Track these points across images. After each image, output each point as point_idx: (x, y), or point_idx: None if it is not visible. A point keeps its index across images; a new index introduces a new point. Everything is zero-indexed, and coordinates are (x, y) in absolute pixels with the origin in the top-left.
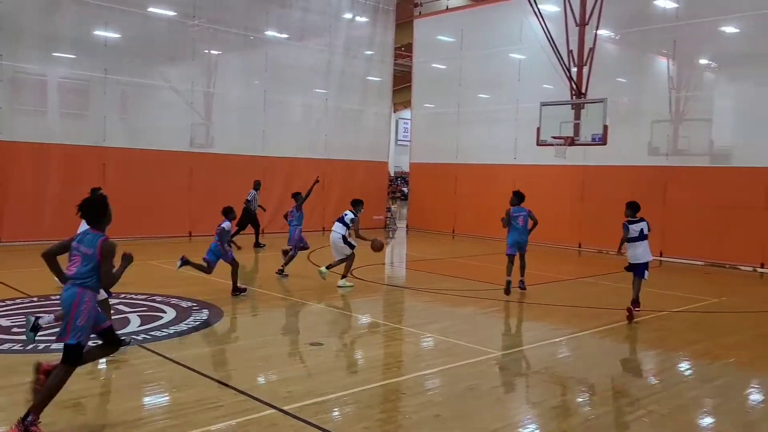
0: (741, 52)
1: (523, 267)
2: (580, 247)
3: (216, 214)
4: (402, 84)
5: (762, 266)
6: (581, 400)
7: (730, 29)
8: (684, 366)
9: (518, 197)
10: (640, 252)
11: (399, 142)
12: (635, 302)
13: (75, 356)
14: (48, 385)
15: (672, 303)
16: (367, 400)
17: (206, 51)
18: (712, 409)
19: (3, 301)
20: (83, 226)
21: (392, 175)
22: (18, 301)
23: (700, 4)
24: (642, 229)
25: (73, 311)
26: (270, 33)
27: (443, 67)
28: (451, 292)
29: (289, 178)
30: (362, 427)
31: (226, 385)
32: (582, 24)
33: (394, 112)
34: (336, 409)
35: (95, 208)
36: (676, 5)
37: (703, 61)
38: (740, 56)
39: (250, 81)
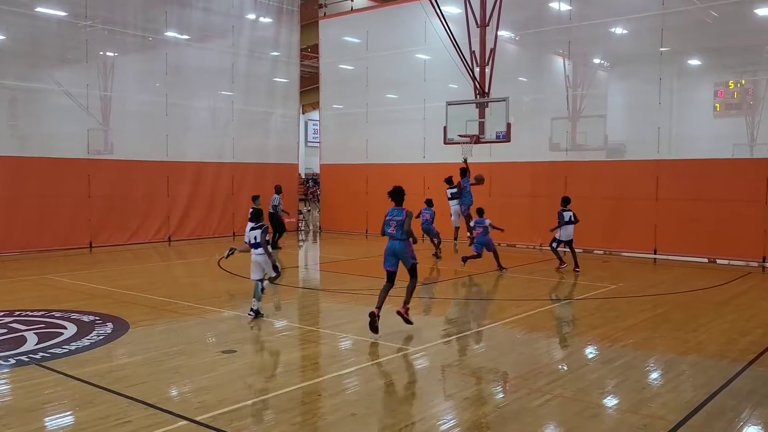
0: (629, 51)
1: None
2: None
3: (120, 221)
4: (309, 85)
5: (655, 253)
6: (492, 389)
7: (618, 30)
8: (587, 350)
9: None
10: (570, 231)
11: (309, 144)
12: (577, 265)
13: (416, 271)
14: (409, 288)
15: (574, 291)
16: (284, 404)
17: (101, 53)
18: (611, 389)
19: None
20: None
21: (303, 177)
22: None
23: (592, 7)
24: (570, 216)
25: (408, 252)
26: (170, 34)
27: (350, 67)
28: (365, 292)
29: (196, 183)
30: (279, 431)
31: (134, 399)
32: (483, 25)
33: (303, 113)
34: (251, 416)
35: (398, 194)
36: (569, 7)
37: (595, 61)
38: (628, 55)
39: (150, 84)
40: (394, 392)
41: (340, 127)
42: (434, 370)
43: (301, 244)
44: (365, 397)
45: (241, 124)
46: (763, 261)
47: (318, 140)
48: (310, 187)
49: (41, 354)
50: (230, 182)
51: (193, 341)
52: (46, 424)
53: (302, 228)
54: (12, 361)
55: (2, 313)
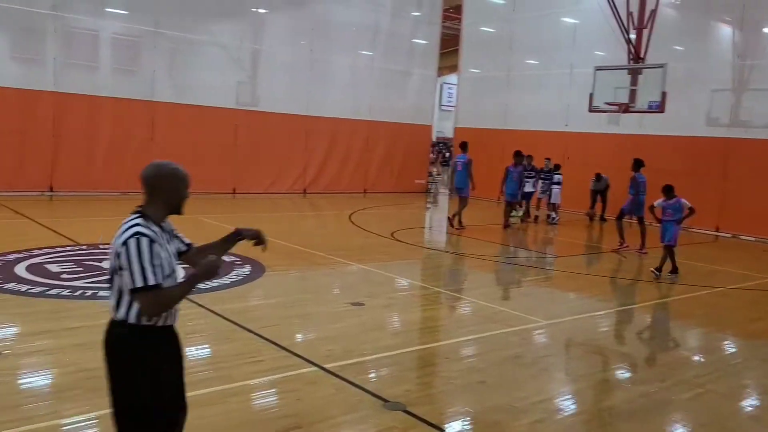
0: None
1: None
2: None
3: (261, 171)
4: (448, 47)
5: None
6: (627, 376)
7: None
8: (740, 346)
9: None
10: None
11: (443, 108)
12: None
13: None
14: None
15: (727, 280)
16: (408, 362)
17: (254, 9)
18: None
19: (54, 248)
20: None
21: (434, 140)
22: (68, 248)
23: None
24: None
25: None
26: None
27: (493, 30)
28: (492, 259)
29: (332, 139)
30: (404, 389)
31: (267, 339)
32: None
33: (439, 76)
34: (376, 371)
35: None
36: None
37: None
38: None
39: (296, 39)
40: (524, 365)
41: (478, 90)
42: (567, 347)
43: (428, 206)
44: (493, 366)
45: (379, 83)
46: None
47: (452, 104)
48: (441, 151)
49: None
50: (365, 140)
51: (323, 290)
52: (187, 353)
53: (431, 190)
54: None
55: None
